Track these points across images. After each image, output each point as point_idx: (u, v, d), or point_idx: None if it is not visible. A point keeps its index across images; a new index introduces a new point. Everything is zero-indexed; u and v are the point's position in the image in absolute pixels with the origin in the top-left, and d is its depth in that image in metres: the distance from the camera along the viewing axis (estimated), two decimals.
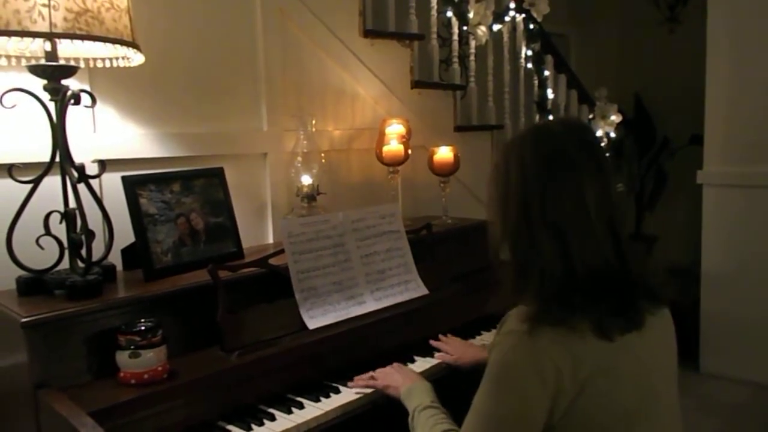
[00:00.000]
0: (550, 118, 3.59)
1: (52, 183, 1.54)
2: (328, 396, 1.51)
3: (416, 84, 2.83)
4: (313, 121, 2.23)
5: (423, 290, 1.95)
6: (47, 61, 1.47)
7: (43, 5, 1.34)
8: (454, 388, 1.35)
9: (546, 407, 1.05)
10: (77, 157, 1.54)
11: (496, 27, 3.27)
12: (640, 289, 1.13)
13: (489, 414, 1.09)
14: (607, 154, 1.21)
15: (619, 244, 1.12)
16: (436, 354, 1.76)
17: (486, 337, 1.94)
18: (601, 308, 1.07)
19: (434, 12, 3.01)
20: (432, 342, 1.80)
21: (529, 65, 3.57)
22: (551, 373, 1.04)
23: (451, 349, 1.75)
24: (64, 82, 1.50)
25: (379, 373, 1.55)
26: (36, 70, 1.48)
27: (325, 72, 2.45)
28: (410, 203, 2.70)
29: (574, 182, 1.11)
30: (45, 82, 1.48)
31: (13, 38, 1.39)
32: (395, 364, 1.59)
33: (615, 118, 3.96)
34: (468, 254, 2.33)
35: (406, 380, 1.47)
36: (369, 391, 1.53)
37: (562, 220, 1.10)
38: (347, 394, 1.52)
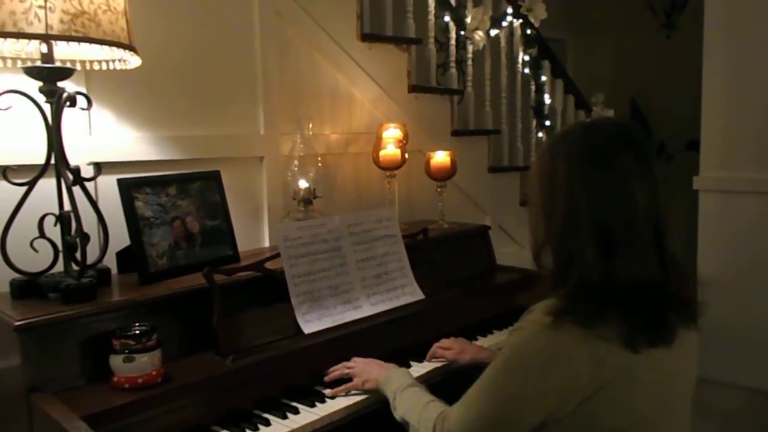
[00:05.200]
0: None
1: (47, 185, 1.53)
2: (323, 401, 1.50)
3: (413, 88, 2.82)
4: (310, 125, 2.22)
5: (419, 295, 1.95)
6: (43, 62, 1.47)
7: (39, 7, 1.33)
8: (450, 392, 1.34)
9: (551, 400, 1.04)
10: (73, 160, 1.53)
11: (493, 32, 3.27)
12: (677, 304, 1.10)
13: (493, 391, 1.10)
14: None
15: (663, 255, 1.09)
16: (437, 352, 1.73)
17: (483, 342, 1.93)
18: (633, 321, 1.04)
19: (432, 16, 3.02)
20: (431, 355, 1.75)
21: (526, 70, 3.58)
22: (565, 369, 1.03)
23: (451, 344, 1.73)
24: (60, 84, 1.50)
25: (355, 369, 1.55)
26: (32, 72, 1.47)
27: (323, 75, 2.45)
28: (407, 207, 2.69)
29: (623, 182, 1.07)
30: (41, 83, 1.48)
31: (9, 40, 1.38)
32: (368, 359, 1.59)
33: None
34: (464, 259, 2.33)
35: (381, 369, 1.50)
36: (362, 398, 1.52)
37: (610, 221, 1.06)
38: (342, 400, 1.51)
